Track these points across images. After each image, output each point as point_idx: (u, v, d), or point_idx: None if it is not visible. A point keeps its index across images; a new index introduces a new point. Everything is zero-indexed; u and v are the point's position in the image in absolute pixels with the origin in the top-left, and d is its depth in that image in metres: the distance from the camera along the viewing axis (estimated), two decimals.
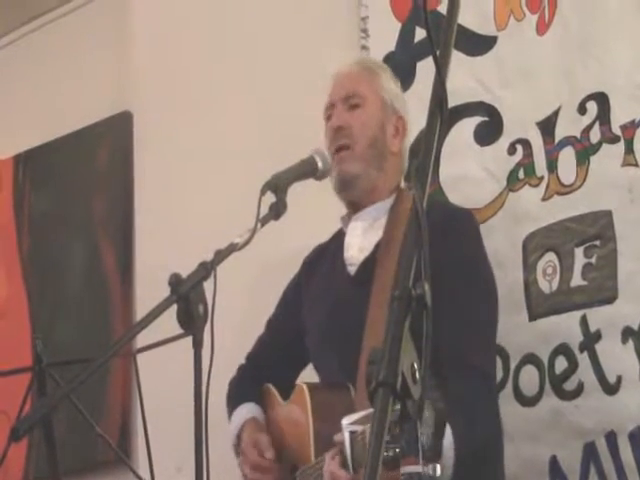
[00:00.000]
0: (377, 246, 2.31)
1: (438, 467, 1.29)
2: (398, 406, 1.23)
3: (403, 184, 2.43)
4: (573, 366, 2.45)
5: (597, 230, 2.45)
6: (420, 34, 2.85)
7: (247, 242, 1.97)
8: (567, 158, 2.53)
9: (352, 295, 2.30)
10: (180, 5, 3.56)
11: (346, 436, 1.85)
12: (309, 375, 2.49)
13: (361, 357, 2.19)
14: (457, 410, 1.77)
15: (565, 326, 2.47)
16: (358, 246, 2.35)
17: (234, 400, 2.48)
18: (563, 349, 2.47)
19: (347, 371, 2.20)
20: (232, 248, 1.95)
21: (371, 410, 1.48)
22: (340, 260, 2.37)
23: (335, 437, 2.00)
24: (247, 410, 2.42)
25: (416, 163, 1.35)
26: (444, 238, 2.08)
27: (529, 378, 2.51)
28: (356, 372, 2.18)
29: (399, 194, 2.37)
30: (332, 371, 2.29)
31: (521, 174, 2.62)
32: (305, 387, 2.22)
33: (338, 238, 2.44)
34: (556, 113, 2.57)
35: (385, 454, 1.33)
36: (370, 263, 2.29)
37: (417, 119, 2.37)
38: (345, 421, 1.86)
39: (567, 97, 2.55)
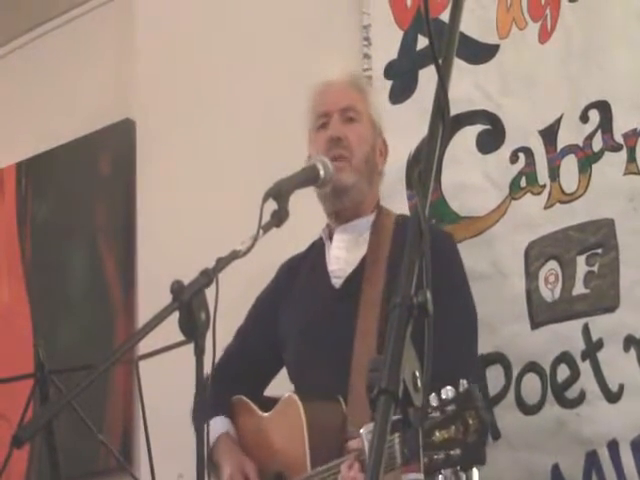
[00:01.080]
0: (363, 261, 2.34)
1: (475, 472, 1.31)
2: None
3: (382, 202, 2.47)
4: (575, 374, 2.44)
5: (599, 238, 2.45)
6: (422, 42, 2.85)
7: (249, 249, 1.96)
8: (569, 166, 2.54)
9: (337, 308, 2.31)
10: (183, 13, 3.56)
11: (366, 443, 1.88)
12: (277, 385, 2.49)
13: (351, 369, 2.19)
14: None
15: (567, 334, 2.47)
16: (344, 259, 2.36)
17: (201, 414, 2.45)
18: (565, 357, 2.46)
19: (334, 382, 2.20)
20: (234, 255, 1.95)
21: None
22: (323, 272, 2.38)
23: (349, 444, 2.02)
24: (221, 424, 2.40)
25: (418, 171, 1.35)
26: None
27: (531, 386, 2.51)
28: (345, 384, 2.18)
29: (380, 211, 2.43)
30: (316, 382, 2.28)
31: (523, 182, 2.62)
32: (297, 398, 2.22)
33: (317, 249, 2.44)
34: (558, 121, 2.57)
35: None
36: (357, 277, 2.32)
37: (419, 127, 2.38)
38: (363, 430, 1.91)
39: (569, 105, 2.55)
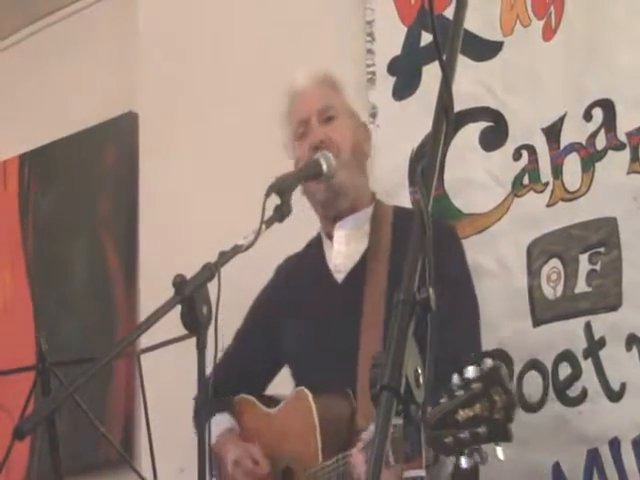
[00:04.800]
0: (364, 254, 2.32)
1: (499, 450, 1.30)
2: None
3: (377, 194, 2.45)
4: (577, 372, 2.44)
5: (602, 237, 2.45)
6: (426, 38, 2.85)
7: (252, 244, 1.96)
8: (572, 164, 2.53)
9: (341, 302, 2.30)
10: (186, 6, 3.56)
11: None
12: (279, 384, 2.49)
13: (359, 362, 2.19)
14: None
15: (569, 332, 2.47)
16: (344, 254, 2.35)
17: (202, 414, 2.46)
18: (567, 355, 2.46)
19: (341, 377, 2.20)
20: (237, 250, 1.95)
21: None
22: (323, 268, 2.37)
23: (363, 435, 2.01)
24: (223, 421, 2.40)
25: (421, 167, 1.35)
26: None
27: (533, 384, 2.51)
28: (352, 378, 2.18)
29: (377, 203, 2.41)
30: (322, 378, 2.28)
31: (526, 180, 2.62)
32: (308, 392, 2.22)
33: (315, 246, 2.44)
34: (562, 119, 2.57)
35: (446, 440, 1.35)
36: (359, 271, 2.31)
37: (422, 124, 2.37)
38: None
39: (573, 103, 2.55)
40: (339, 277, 2.35)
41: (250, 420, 2.40)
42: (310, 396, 2.20)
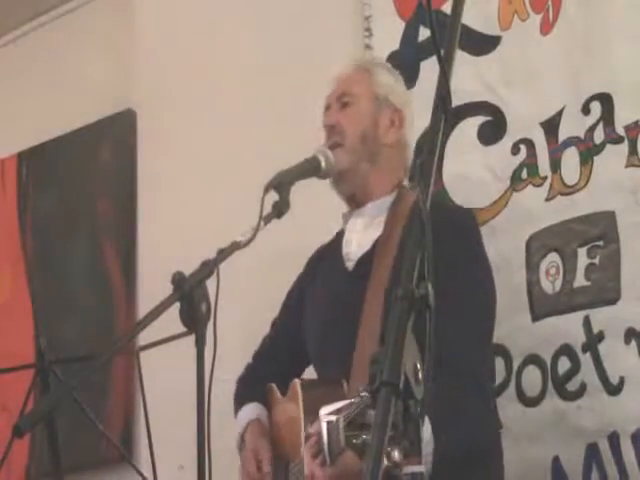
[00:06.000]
0: (376, 243, 2.31)
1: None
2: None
3: (406, 182, 2.43)
4: (576, 367, 2.44)
5: (600, 231, 2.45)
6: (424, 33, 2.85)
7: (250, 240, 1.97)
8: (571, 158, 2.53)
9: (349, 290, 2.29)
10: (184, 3, 3.56)
11: (323, 426, 1.80)
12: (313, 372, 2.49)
13: (355, 353, 2.19)
14: (441, 411, 1.77)
15: (568, 327, 2.47)
16: (357, 242, 2.35)
17: (240, 399, 2.49)
18: (566, 350, 2.46)
19: (344, 367, 2.20)
20: (235, 246, 1.95)
21: (348, 401, 1.48)
22: (339, 257, 2.38)
23: (310, 429, 2.00)
24: (251, 411, 2.42)
25: (419, 162, 1.35)
26: (444, 238, 2.06)
27: (532, 378, 2.51)
28: (349, 369, 2.18)
29: (400, 191, 2.37)
30: (330, 367, 2.30)
31: (524, 174, 2.62)
32: (298, 383, 2.22)
33: (338, 237, 2.45)
34: (560, 113, 2.57)
35: (354, 441, 1.34)
36: (368, 259, 2.29)
37: (421, 118, 2.37)
38: (323, 411, 1.78)
39: (571, 97, 2.54)
40: (349, 265, 2.35)
41: (272, 411, 2.41)
42: (299, 387, 2.20)
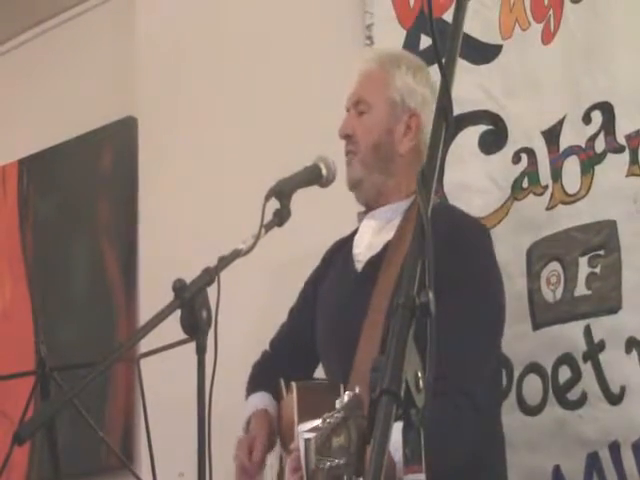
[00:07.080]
0: (386, 246, 2.30)
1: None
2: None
3: None
4: (577, 376, 2.44)
5: (601, 240, 2.45)
6: (425, 42, 2.85)
7: (251, 248, 1.97)
8: (572, 167, 2.53)
9: (356, 292, 2.29)
10: (185, 10, 3.56)
11: (301, 444, 1.80)
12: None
13: (356, 358, 2.18)
14: (430, 427, 1.74)
15: (569, 336, 2.46)
16: (367, 243, 2.35)
17: (251, 385, 2.48)
18: (567, 359, 2.46)
19: (344, 371, 2.19)
20: (236, 254, 1.96)
21: (328, 416, 1.46)
22: (350, 256, 2.38)
23: (291, 446, 1.99)
24: (260, 400, 2.40)
25: (420, 171, 1.35)
26: (451, 248, 2.04)
27: (532, 387, 2.51)
28: (348, 373, 2.18)
29: (416, 197, 2.35)
30: (332, 368, 2.29)
31: (525, 183, 2.62)
32: (294, 386, 2.22)
33: (353, 235, 2.44)
34: (561, 122, 2.57)
35: (320, 466, 1.32)
36: (377, 261, 2.28)
37: None
38: (301, 428, 1.77)
39: (572, 106, 2.55)
40: (359, 266, 2.35)
41: (280, 405, 2.40)
42: (295, 389, 2.19)
